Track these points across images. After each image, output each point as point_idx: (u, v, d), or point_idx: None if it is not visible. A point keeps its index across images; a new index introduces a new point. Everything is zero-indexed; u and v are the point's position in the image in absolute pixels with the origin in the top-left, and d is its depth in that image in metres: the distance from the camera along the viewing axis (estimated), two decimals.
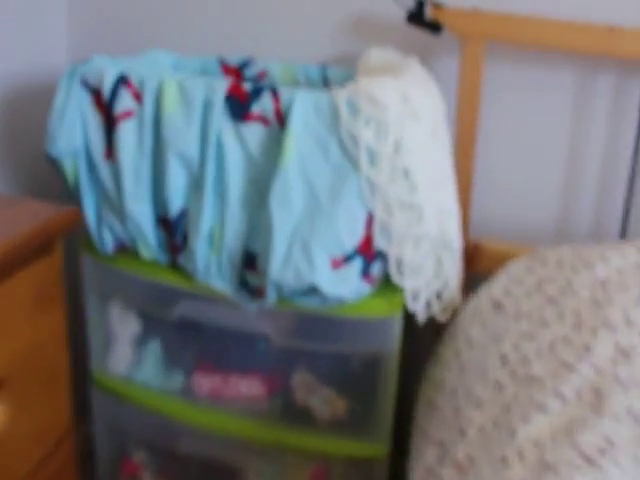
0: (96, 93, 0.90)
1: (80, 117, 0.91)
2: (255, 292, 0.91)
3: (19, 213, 0.72)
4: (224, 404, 1.05)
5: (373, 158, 0.83)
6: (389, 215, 0.85)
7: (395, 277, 0.91)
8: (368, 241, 0.87)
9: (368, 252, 0.88)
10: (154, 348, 1.07)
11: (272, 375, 1.04)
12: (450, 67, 1.20)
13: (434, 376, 1.00)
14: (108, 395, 1.10)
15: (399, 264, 0.90)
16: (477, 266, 1.18)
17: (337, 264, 0.86)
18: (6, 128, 1.21)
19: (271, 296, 0.89)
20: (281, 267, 0.85)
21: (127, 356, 1.08)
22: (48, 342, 0.77)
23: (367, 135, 0.82)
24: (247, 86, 0.85)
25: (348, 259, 0.86)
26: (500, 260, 1.13)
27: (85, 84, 0.90)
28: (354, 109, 0.82)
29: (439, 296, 0.99)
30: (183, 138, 0.86)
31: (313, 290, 0.87)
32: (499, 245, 1.17)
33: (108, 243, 0.96)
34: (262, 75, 1.21)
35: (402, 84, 0.85)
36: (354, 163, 0.83)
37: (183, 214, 0.91)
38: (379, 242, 0.86)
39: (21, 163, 1.25)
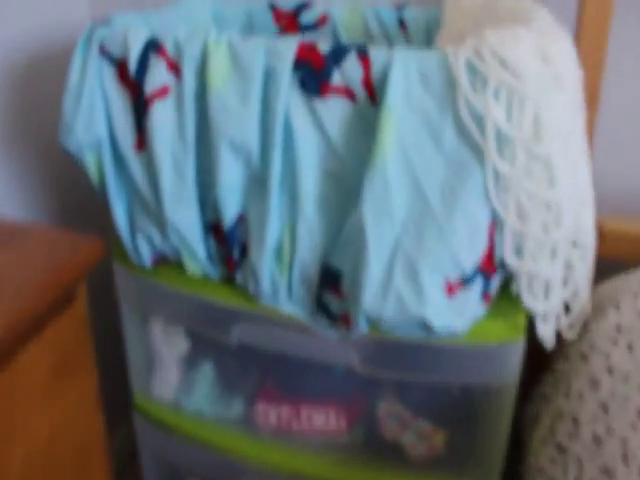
0: (120, 65, 0.67)
1: (102, 97, 0.68)
2: (337, 318, 0.70)
3: (25, 256, 0.51)
4: (294, 438, 0.85)
5: (504, 144, 0.59)
6: (522, 219, 0.63)
7: (526, 299, 0.68)
8: (490, 254, 0.65)
9: (490, 268, 0.65)
10: (207, 371, 0.88)
11: (353, 405, 0.84)
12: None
13: (561, 410, 0.79)
14: (153, 424, 0.92)
15: (531, 282, 0.68)
16: (600, 250, 0.95)
17: (452, 289, 0.64)
18: (18, 101, 1.00)
19: (362, 327, 0.68)
20: (378, 295, 0.63)
21: (174, 380, 0.89)
22: (77, 416, 0.57)
23: (497, 112, 0.58)
24: (324, 47, 0.62)
25: (467, 281, 0.64)
26: (629, 244, 0.91)
27: (105, 54, 0.68)
28: (478, 76, 0.58)
29: (567, 308, 0.77)
30: (238, 121, 0.63)
31: (419, 322, 0.65)
32: (626, 224, 0.94)
33: (145, 255, 0.76)
34: (322, 20, 0.97)
35: (540, 38, 0.61)
36: (477, 151, 0.59)
37: (240, 220, 0.69)
38: (508, 256, 0.64)
39: (36, 145, 1.04)
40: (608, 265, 0.87)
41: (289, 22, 0.99)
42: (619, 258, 0.93)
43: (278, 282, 0.70)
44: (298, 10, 0.98)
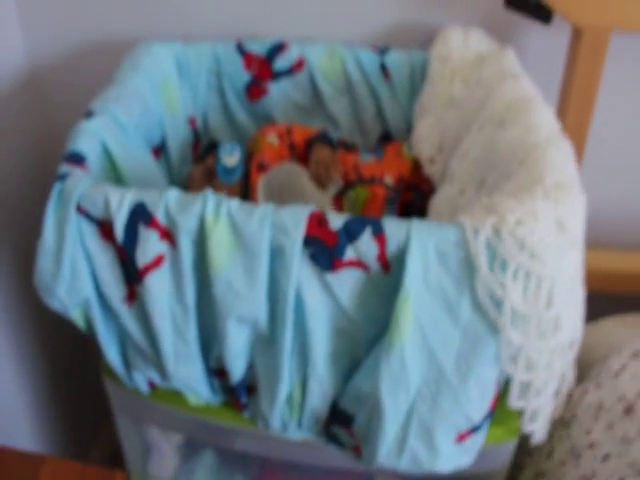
0: (102, 223, 0.62)
1: (84, 256, 0.63)
2: (348, 447, 0.72)
3: None
4: None
5: (518, 318, 0.60)
6: (531, 371, 0.65)
7: (514, 402, 0.72)
8: (496, 400, 0.67)
9: (494, 409, 0.68)
10: (207, 458, 0.88)
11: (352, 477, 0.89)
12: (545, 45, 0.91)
13: (543, 470, 0.87)
14: None
15: (524, 389, 0.71)
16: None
17: (462, 438, 0.66)
18: None
19: (374, 463, 0.70)
20: (393, 453, 0.65)
21: (173, 466, 0.90)
22: None
23: (515, 293, 0.58)
24: (336, 223, 0.58)
25: (476, 429, 0.67)
26: (604, 276, 0.96)
27: (83, 213, 0.61)
28: (497, 258, 0.57)
29: (556, 393, 0.82)
30: (245, 300, 0.60)
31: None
32: (597, 257, 0.99)
33: (142, 385, 0.73)
34: (299, 65, 0.91)
35: (558, 205, 0.59)
36: (490, 324, 0.60)
37: (248, 371, 0.68)
38: (512, 400, 0.66)
39: None
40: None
41: (261, 67, 0.91)
42: (595, 290, 0.98)
43: (288, 422, 0.70)
44: (271, 54, 0.90)
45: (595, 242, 1.09)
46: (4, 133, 0.99)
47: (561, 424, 0.85)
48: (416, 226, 0.58)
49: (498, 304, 0.58)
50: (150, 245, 0.60)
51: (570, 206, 0.61)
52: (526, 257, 0.57)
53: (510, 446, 0.78)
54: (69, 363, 1.21)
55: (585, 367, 0.86)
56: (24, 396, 1.08)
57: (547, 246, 0.58)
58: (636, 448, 0.75)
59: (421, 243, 0.57)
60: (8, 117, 0.99)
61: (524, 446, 0.91)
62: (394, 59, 0.91)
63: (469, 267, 0.58)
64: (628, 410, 0.78)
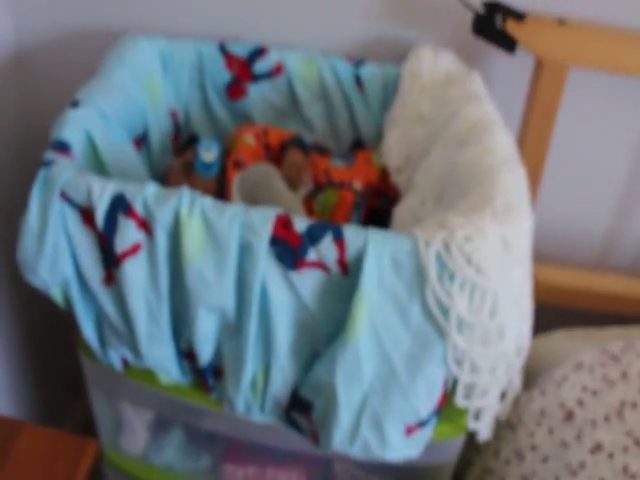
0: (84, 210, 0.66)
1: (65, 238, 0.67)
2: (307, 433, 0.78)
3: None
4: None
5: (463, 325, 0.66)
6: (475, 374, 0.71)
7: (459, 401, 0.77)
8: (444, 397, 0.73)
9: (441, 406, 0.74)
10: (175, 434, 0.93)
11: (313, 464, 0.94)
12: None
13: (490, 467, 0.94)
14: (123, 473, 0.98)
15: (469, 389, 0.78)
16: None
17: (411, 431, 0.72)
18: None
19: (329, 448, 0.76)
20: (346, 440, 0.71)
21: (143, 442, 0.94)
22: None
23: (460, 303, 0.64)
24: (300, 226, 0.63)
25: (423, 424, 0.72)
26: (553, 291, 1.03)
27: (67, 199, 0.65)
28: (446, 270, 0.63)
29: (503, 396, 0.88)
30: (214, 290, 0.65)
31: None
32: (550, 273, 1.05)
33: (116, 362, 0.78)
34: (278, 70, 0.95)
35: (505, 226, 0.65)
36: (438, 329, 0.66)
37: (215, 355, 0.73)
38: (458, 399, 0.73)
39: None
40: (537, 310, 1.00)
41: (242, 69, 0.95)
42: (546, 304, 1.05)
43: (251, 405, 0.75)
44: (252, 56, 0.94)
45: (552, 258, 1.16)
46: None
47: (508, 426, 0.91)
48: (373, 235, 0.63)
49: (445, 311, 0.64)
50: (128, 233, 0.64)
51: (516, 227, 0.67)
52: (472, 271, 0.63)
53: (458, 442, 0.84)
54: (45, 335, 1.25)
55: (533, 375, 0.93)
56: (1, 364, 1.12)
57: (492, 262, 0.63)
58: (572, 451, 0.82)
59: (377, 251, 0.63)
60: None
61: (474, 444, 0.98)
62: (368, 72, 0.96)
63: (420, 276, 0.63)
64: (567, 417, 0.85)
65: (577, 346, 0.91)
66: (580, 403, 0.85)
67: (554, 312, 1.02)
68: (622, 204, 1.12)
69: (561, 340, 0.98)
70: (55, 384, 1.31)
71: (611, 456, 0.79)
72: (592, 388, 0.85)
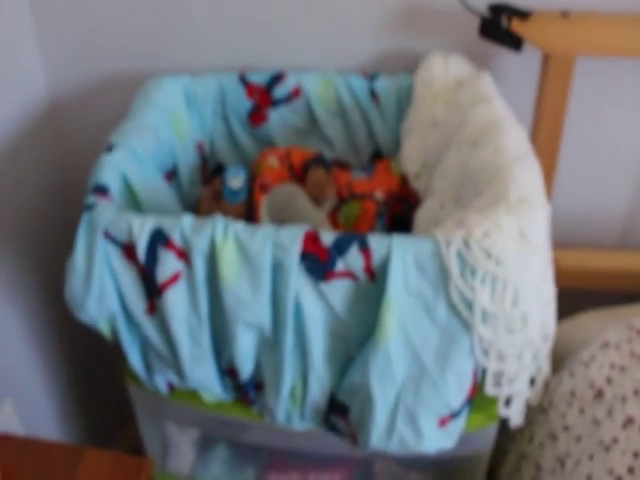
0: (126, 247, 0.72)
1: (110, 275, 0.73)
2: (345, 435, 0.83)
3: None
4: None
5: (487, 317, 0.70)
6: (503, 362, 0.75)
7: (489, 390, 0.80)
8: (474, 387, 0.77)
9: (473, 395, 0.78)
10: (220, 450, 0.99)
11: (353, 466, 0.99)
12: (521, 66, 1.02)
13: (525, 453, 0.96)
14: None
15: (498, 377, 0.81)
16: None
17: (444, 422, 0.76)
18: None
19: (368, 447, 0.80)
20: (383, 437, 0.74)
21: (189, 458, 1.00)
22: None
23: (483, 296, 0.68)
24: (327, 240, 0.68)
25: (456, 414, 0.76)
26: (577, 275, 1.06)
27: (110, 237, 0.72)
28: (467, 266, 0.67)
29: (532, 382, 0.91)
30: (251, 308, 0.69)
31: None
32: (574, 257, 1.09)
33: (161, 386, 0.83)
34: (295, 93, 1.00)
35: (520, 218, 0.69)
36: (464, 323, 0.70)
37: (255, 370, 0.78)
38: (488, 388, 0.76)
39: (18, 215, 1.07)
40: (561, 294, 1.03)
41: (262, 96, 1.01)
42: (571, 288, 1.08)
43: (292, 414, 0.80)
44: (271, 83, 1.01)
45: (574, 243, 1.19)
46: (27, 162, 1.10)
47: (540, 410, 0.94)
48: (397, 240, 0.68)
49: (470, 305, 0.68)
50: (168, 264, 0.69)
51: (531, 218, 0.71)
52: (492, 264, 0.67)
53: (491, 430, 0.87)
54: (91, 366, 1.32)
55: (563, 358, 0.96)
56: (52, 395, 1.19)
57: (510, 254, 0.67)
58: (604, 428, 0.85)
59: (401, 255, 0.67)
60: (30, 147, 1.10)
61: (508, 432, 1.01)
62: (382, 84, 1.01)
63: (443, 274, 0.67)
64: (597, 395, 0.87)
65: (603, 326, 0.94)
66: (609, 380, 0.87)
67: (580, 295, 1.05)
68: (638, 185, 1.14)
69: (588, 321, 1.00)
70: (102, 412, 1.37)
71: None
72: (620, 364, 0.88)
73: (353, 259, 0.68)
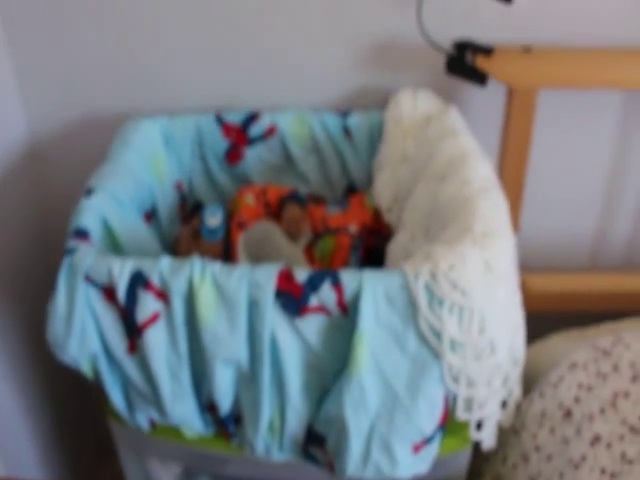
0: (106, 289, 0.75)
1: (91, 316, 0.75)
2: (323, 464, 0.85)
3: None
4: None
5: (456, 345, 0.73)
6: (472, 388, 0.78)
7: (460, 414, 0.81)
8: (446, 413, 0.80)
9: (445, 421, 0.81)
10: None
11: None
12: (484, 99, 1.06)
13: (499, 474, 0.99)
14: None
15: (468, 403, 0.84)
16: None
17: (418, 448, 0.78)
18: None
19: (345, 475, 0.82)
20: (360, 465, 0.77)
21: None
22: None
23: (450, 325, 0.71)
24: (300, 277, 0.71)
25: (429, 440, 0.79)
26: (546, 298, 1.09)
27: (91, 281, 0.75)
28: (435, 298, 0.70)
29: (504, 405, 0.94)
30: (228, 345, 0.71)
31: None
32: (543, 281, 1.13)
33: (143, 424, 0.84)
34: (270, 131, 1.04)
35: (484, 250, 0.73)
36: (434, 352, 0.73)
37: (234, 405, 0.80)
38: (459, 413, 0.79)
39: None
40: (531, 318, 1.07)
41: (238, 135, 1.05)
42: (540, 311, 1.12)
43: (271, 446, 0.81)
44: (246, 123, 1.04)
45: (544, 268, 1.23)
46: (8, 205, 1.11)
47: (512, 432, 0.97)
48: (367, 275, 0.71)
49: (438, 335, 0.71)
50: (147, 305, 0.72)
51: (496, 249, 0.74)
52: (458, 295, 0.70)
53: (465, 454, 0.89)
54: (73, 405, 1.32)
55: (534, 379, 0.99)
56: (34, 434, 1.19)
57: (476, 284, 0.71)
58: (573, 446, 0.88)
59: (372, 289, 0.70)
60: (11, 190, 1.13)
61: (482, 454, 1.04)
62: (355, 121, 1.05)
63: (412, 306, 0.70)
64: (566, 415, 0.90)
65: (572, 347, 0.97)
66: (577, 400, 0.90)
67: (550, 317, 1.09)
68: (603, 209, 1.19)
69: (558, 343, 1.04)
70: (84, 450, 1.37)
71: (609, 445, 0.84)
72: (587, 384, 0.91)
73: (326, 295, 0.71)
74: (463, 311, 0.71)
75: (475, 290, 0.71)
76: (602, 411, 0.88)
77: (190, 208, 1.08)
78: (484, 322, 0.72)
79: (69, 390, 1.30)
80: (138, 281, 0.72)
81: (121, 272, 0.72)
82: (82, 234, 0.79)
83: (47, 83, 1.12)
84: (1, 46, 1.07)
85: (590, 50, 1.03)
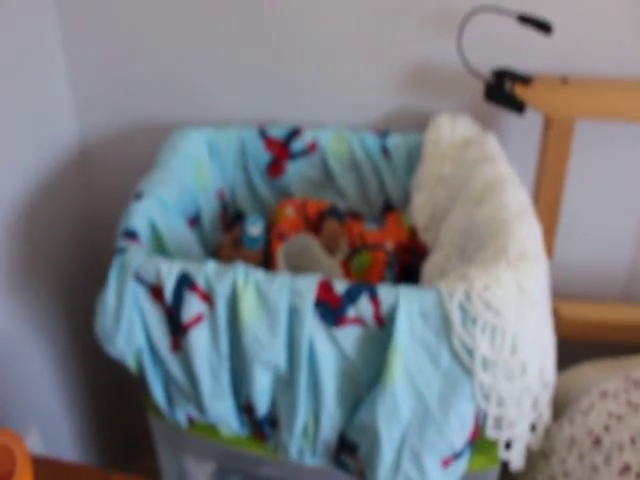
0: (154, 288, 0.79)
1: (138, 313, 0.80)
2: (354, 472, 0.88)
3: None
4: None
5: (487, 364, 0.76)
6: (502, 407, 0.80)
7: (490, 433, 0.84)
8: (476, 430, 0.83)
9: (475, 438, 0.84)
10: None
11: None
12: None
13: None
14: None
15: (498, 421, 0.87)
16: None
17: (447, 463, 0.81)
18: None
19: None
20: (390, 475, 0.78)
21: None
22: None
23: (483, 344, 0.74)
24: (339, 288, 0.75)
25: (458, 455, 0.82)
26: (579, 326, 1.11)
27: (140, 279, 0.79)
28: (468, 316, 0.73)
29: (534, 428, 0.96)
30: (268, 349, 0.75)
31: None
32: (577, 309, 1.15)
33: (182, 420, 0.88)
34: (312, 148, 1.08)
35: (518, 273, 0.76)
36: (466, 369, 0.76)
37: (271, 407, 0.83)
38: (489, 431, 0.82)
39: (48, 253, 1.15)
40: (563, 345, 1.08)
41: (280, 149, 1.09)
42: (573, 338, 1.14)
43: (304, 450, 0.84)
44: (288, 138, 1.09)
45: (575, 295, 1.25)
46: (58, 205, 1.18)
47: (541, 456, 0.99)
48: (403, 291, 0.73)
49: (470, 353, 0.73)
50: (192, 305, 0.76)
51: (530, 273, 0.77)
52: (491, 315, 0.73)
53: (493, 473, 0.91)
54: (113, 400, 1.37)
55: (564, 406, 1.01)
56: (74, 427, 1.24)
57: (509, 306, 0.73)
58: (602, 475, 0.89)
59: (407, 305, 0.73)
60: (60, 191, 1.19)
61: (510, 476, 1.06)
62: (393, 141, 1.09)
63: (446, 323, 0.73)
64: (596, 442, 0.92)
65: (603, 377, 0.99)
66: (607, 428, 0.92)
67: (583, 346, 1.11)
68: (639, 241, 1.21)
69: (588, 372, 1.05)
70: (122, 445, 1.42)
71: (638, 476, 0.86)
72: (617, 413, 0.92)
73: (363, 307, 0.74)
74: (495, 331, 0.73)
75: (508, 311, 0.73)
76: (632, 441, 0.90)
77: (232, 217, 1.12)
78: (516, 343, 0.74)
79: (111, 385, 1.36)
80: (185, 283, 0.76)
81: (169, 273, 0.76)
82: (132, 235, 0.83)
83: (100, 93, 1.17)
84: (59, 57, 1.13)
85: (627, 81, 1.05)
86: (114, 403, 1.39)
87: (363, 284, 0.74)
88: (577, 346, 1.11)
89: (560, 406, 1.01)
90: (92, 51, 1.13)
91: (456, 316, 0.72)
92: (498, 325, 0.73)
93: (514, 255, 0.77)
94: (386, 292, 0.73)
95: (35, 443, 1.09)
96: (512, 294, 0.74)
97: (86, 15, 1.11)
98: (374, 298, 0.73)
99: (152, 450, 1.01)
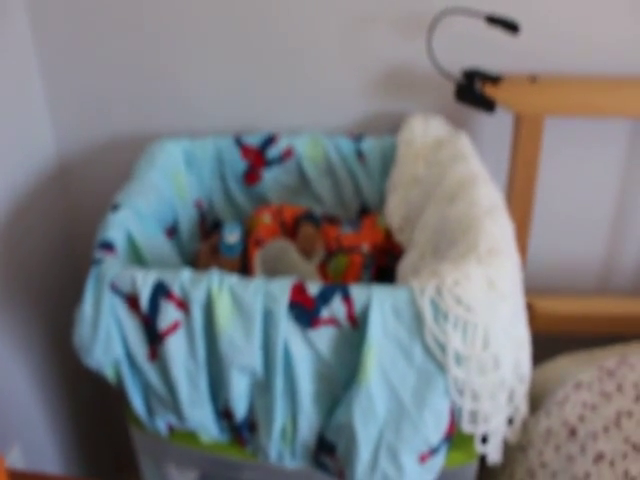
0: (130, 298, 0.80)
1: (115, 323, 0.80)
2: (334, 472, 0.89)
3: None
4: None
5: (460, 359, 0.77)
6: (477, 401, 0.82)
7: (465, 427, 0.83)
8: (452, 425, 0.84)
9: (451, 433, 0.85)
10: None
11: None
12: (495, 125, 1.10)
13: None
14: None
15: (473, 416, 0.88)
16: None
17: (424, 458, 0.82)
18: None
19: None
20: (368, 473, 0.79)
21: None
22: None
23: (455, 339, 0.75)
24: (313, 290, 0.77)
25: (435, 450, 0.83)
26: (554, 320, 1.13)
27: (116, 290, 0.80)
28: (440, 312, 0.75)
29: (510, 421, 0.98)
30: (244, 353, 0.76)
31: None
32: (551, 304, 1.16)
33: (162, 428, 0.88)
34: (287, 154, 1.09)
35: (488, 268, 0.78)
36: (439, 364, 0.77)
37: (249, 411, 0.84)
38: (464, 425, 0.83)
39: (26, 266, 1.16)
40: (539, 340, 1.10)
41: (256, 157, 1.10)
42: (548, 332, 1.15)
43: (283, 453, 0.84)
44: (264, 145, 1.10)
45: (549, 290, 1.27)
46: (36, 216, 1.19)
47: (519, 449, 1.00)
48: (376, 290, 0.75)
49: (443, 348, 0.74)
50: (169, 314, 0.76)
51: (500, 268, 0.78)
52: (462, 310, 0.74)
53: (471, 468, 0.92)
54: (93, 412, 1.37)
55: (541, 399, 1.03)
56: (56, 441, 1.24)
57: (479, 300, 0.74)
58: (577, 464, 0.91)
59: (380, 303, 0.74)
60: (39, 202, 1.19)
61: (489, 471, 1.07)
62: (368, 145, 1.10)
63: (418, 320, 0.74)
64: (571, 433, 0.94)
65: (579, 369, 1.01)
66: (581, 419, 0.93)
67: (558, 340, 1.13)
68: (612, 234, 1.23)
69: (564, 365, 1.07)
70: (104, 458, 1.42)
71: (612, 463, 0.87)
72: (591, 403, 0.94)
73: (336, 307, 0.75)
74: (467, 326, 0.75)
75: (479, 306, 0.74)
76: (606, 430, 0.91)
77: (210, 226, 1.13)
78: (488, 337, 0.76)
79: (91, 397, 1.36)
80: (160, 291, 0.77)
81: (144, 282, 0.77)
82: (108, 246, 0.84)
83: (76, 105, 1.18)
84: (34, 71, 1.15)
85: (596, 79, 1.07)
86: (96, 416, 1.39)
87: (336, 285, 0.76)
88: (553, 340, 1.13)
89: (537, 399, 1.02)
90: (67, 65, 1.15)
91: (428, 312, 0.74)
92: (469, 320, 0.74)
93: (484, 251, 0.79)
94: (358, 292, 0.75)
95: (17, 459, 1.10)
96: (482, 289, 0.75)
97: (62, 30, 1.12)
98: (347, 298, 0.75)
99: (135, 462, 1.02)
